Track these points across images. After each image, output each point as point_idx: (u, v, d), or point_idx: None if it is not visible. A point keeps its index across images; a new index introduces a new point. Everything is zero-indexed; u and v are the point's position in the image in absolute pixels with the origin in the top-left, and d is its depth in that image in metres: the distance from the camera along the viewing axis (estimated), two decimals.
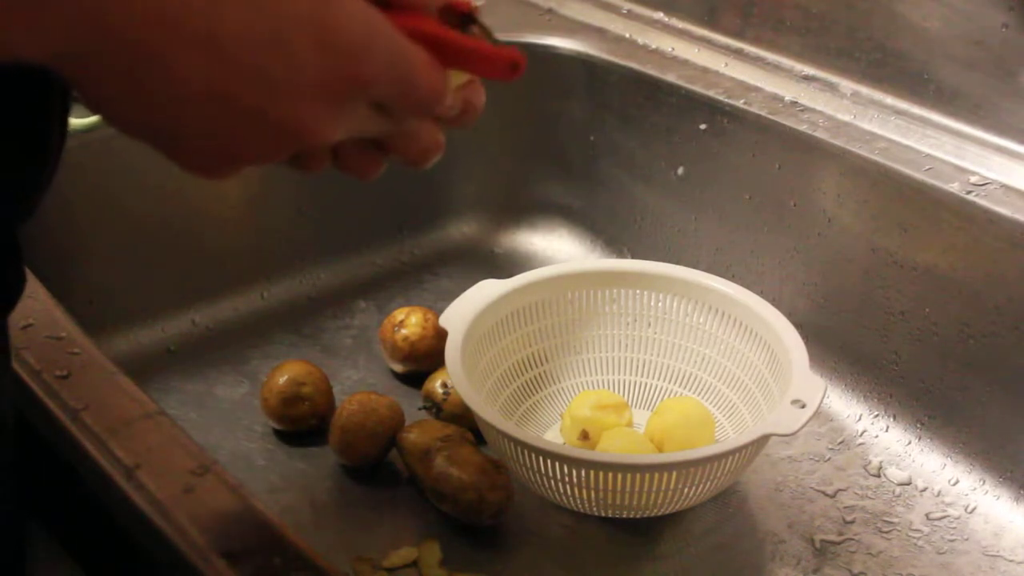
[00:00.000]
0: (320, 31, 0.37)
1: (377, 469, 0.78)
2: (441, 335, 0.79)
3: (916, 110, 0.83)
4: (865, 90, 0.86)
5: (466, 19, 0.44)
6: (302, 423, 0.80)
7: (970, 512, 0.76)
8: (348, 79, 0.38)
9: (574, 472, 0.69)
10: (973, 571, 0.72)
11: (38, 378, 0.57)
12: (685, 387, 0.84)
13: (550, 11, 1.05)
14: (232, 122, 0.38)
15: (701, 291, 0.82)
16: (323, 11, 0.37)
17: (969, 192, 0.76)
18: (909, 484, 0.78)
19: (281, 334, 0.92)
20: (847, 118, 0.85)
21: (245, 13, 0.36)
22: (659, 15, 0.99)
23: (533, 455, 0.69)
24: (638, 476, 0.68)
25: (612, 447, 0.74)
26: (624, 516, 0.72)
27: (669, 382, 0.85)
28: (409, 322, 0.85)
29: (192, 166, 0.40)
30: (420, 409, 0.82)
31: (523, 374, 0.83)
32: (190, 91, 0.36)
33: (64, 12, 0.33)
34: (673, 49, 0.96)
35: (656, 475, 0.68)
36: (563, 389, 0.85)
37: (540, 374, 0.84)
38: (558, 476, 0.69)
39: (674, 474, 0.68)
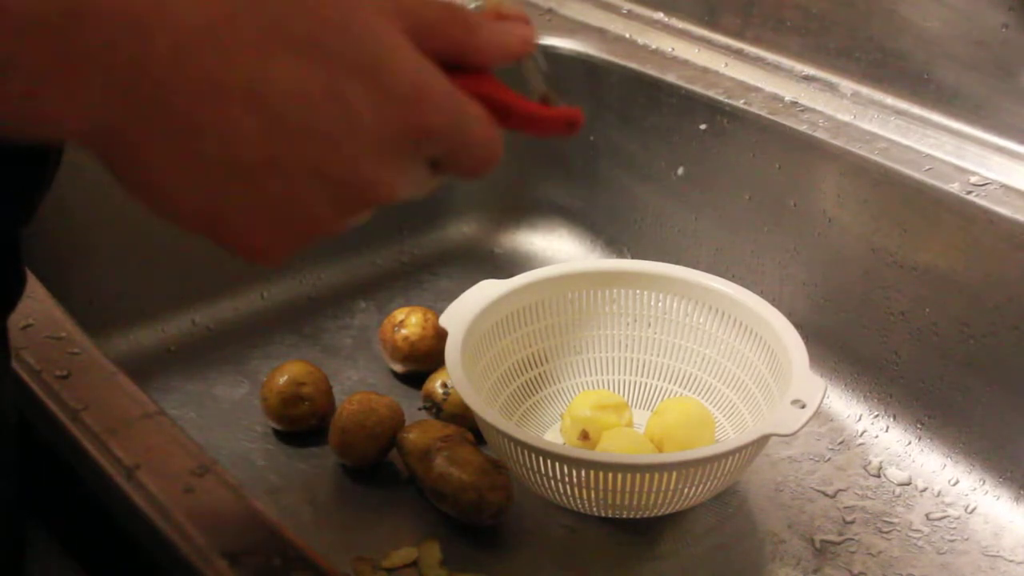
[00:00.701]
0: (375, 82, 0.35)
1: (377, 469, 0.78)
2: (441, 335, 0.79)
3: (916, 110, 0.83)
4: (865, 90, 0.86)
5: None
6: (302, 423, 0.80)
7: (970, 512, 0.76)
8: (407, 129, 0.36)
9: (574, 472, 0.69)
10: (973, 571, 0.72)
11: (38, 378, 0.57)
12: (685, 387, 0.84)
13: (550, 11, 1.05)
14: (290, 189, 0.35)
15: (701, 291, 0.82)
16: (377, 62, 0.35)
17: (969, 192, 0.76)
18: (909, 484, 0.78)
19: (281, 334, 0.92)
20: (847, 118, 0.85)
21: (294, 69, 0.34)
22: (659, 15, 0.99)
23: (533, 455, 0.69)
24: (638, 476, 0.68)
25: (612, 447, 0.74)
26: (624, 516, 0.72)
27: (669, 382, 0.85)
28: (409, 322, 0.85)
29: (250, 249, 0.37)
30: (420, 409, 0.82)
31: (523, 374, 0.83)
32: (241, 158, 0.34)
33: (95, 79, 0.31)
34: (673, 49, 0.96)
35: (656, 475, 0.68)
36: (563, 389, 0.85)
37: (540, 374, 0.84)
38: (558, 476, 0.69)
39: (674, 474, 0.68)
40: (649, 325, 0.85)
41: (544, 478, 0.70)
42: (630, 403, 0.82)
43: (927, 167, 0.79)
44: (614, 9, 1.02)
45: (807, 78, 0.89)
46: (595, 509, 0.72)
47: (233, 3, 0.33)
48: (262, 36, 0.33)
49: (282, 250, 0.37)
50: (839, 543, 0.73)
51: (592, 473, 0.68)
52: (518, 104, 0.42)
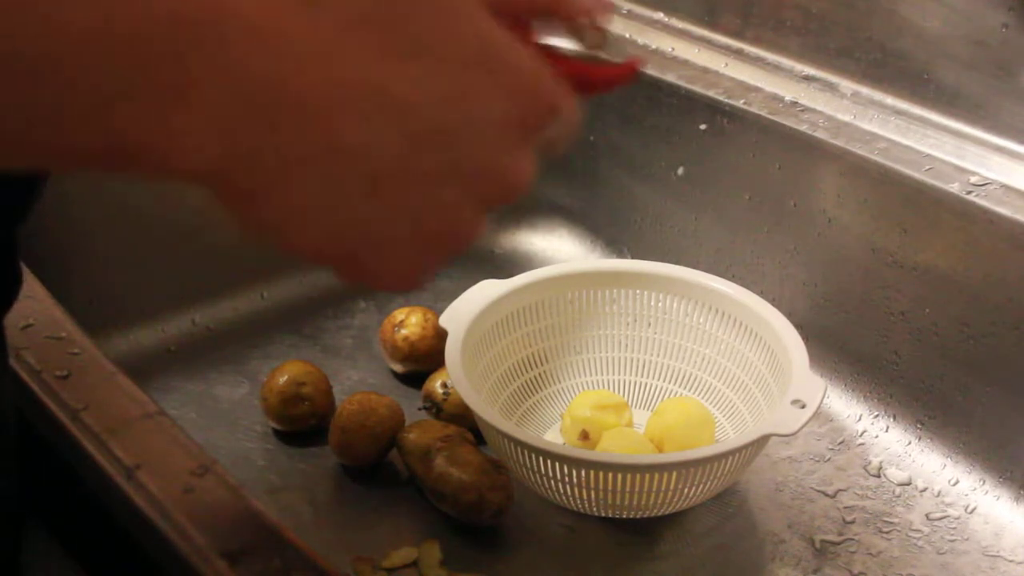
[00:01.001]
0: (493, 72, 0.35)
1: (377, 469, 0.78)
2: (441, 335, 0.79)
3: (916, 110, 0.83)
4: (865, 90, 0.86)
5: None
6: (302, 423, 0.80)
7: (970, 512, 0.76)
8: (534, 113, 0.36)
9: (574, 472, 0.69)
10: (973, 571, 0.72)
11: (38, 378, 0.57)
12: (685, 387, 0.84)
13: None
14: (433, 194, 0.34)
15: (701, 291, 0.82)
16: (486, 52, 0.35)
17: (969, 192, 0.76)
18: (909, 484, 0.78)
19: (281, 334, 0.92)
20: (847, 118, 0.85)
21: (415, 73, 0.33)
22: (659, 15, 0.99)
23: (533, 455, 0.69)
24: (638, 476, 0.68)
25: (612, 447, 0.74)
26: (624, 516, 0.72)
27: (669, 382, 0.85)
28: (409, 322, 0.85)
29: (391, 273, 0.36)
30: (420, 409, 0.82)
31: (523, 374, 0.83)
32: (384, 169, 0.33)
33: (228, 94, 0.30)
34: (673, 49, 0.96)
35: (656, 475, 0.68)
36: (563, 389, 0.85)
37: (540, 374, 0.84)
38: (558, 476, 0.69)
39: (674, 474, 0.68)
40: (649, 325, 0.85)
41: (544, 478, 0.70)
42: (630, 403, 0.82)
43: (927, 167, 0.79)
44: (614, 9, 1.02)
45: (807, 78, 0.89)
46: (595, 509, 0.72)
47: (345, 17, 0.32)
48: (375, 45, 0.32)
49: (423, 268, 0.36)
50: (839, 543, 0.73)
51: (592, 473, 0.68)
52: (595, 73, 0.42)
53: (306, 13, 0.31)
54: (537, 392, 0.84)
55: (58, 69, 0.27)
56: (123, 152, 0.29)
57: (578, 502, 0.71)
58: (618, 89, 0.44)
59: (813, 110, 0.86)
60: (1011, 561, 0.72)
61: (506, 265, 1.02)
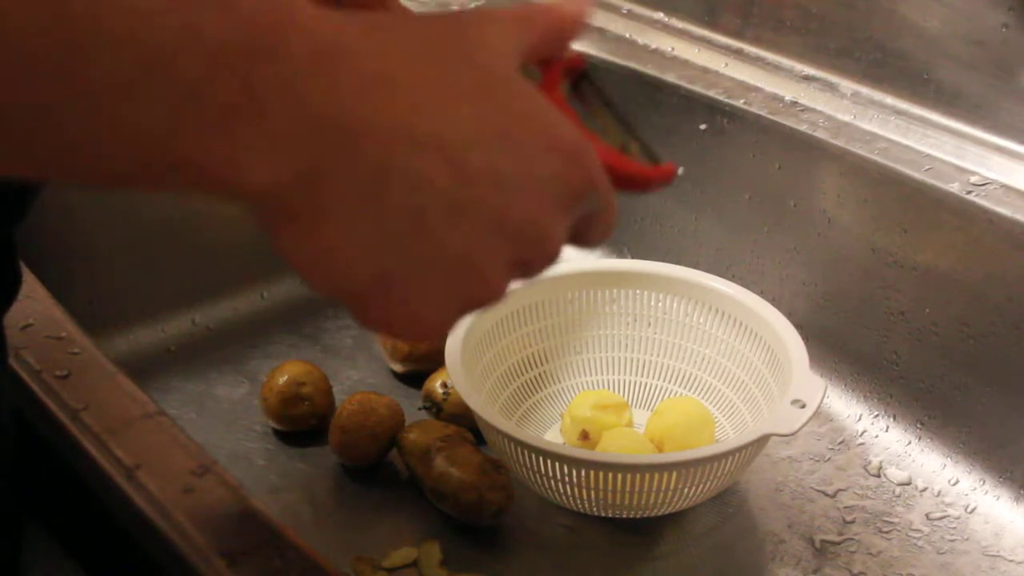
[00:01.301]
0: (544, 134, 0.35)
1: (377, 469, 0.78)
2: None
3: (916, 110, 0.83)
4: (865, 90, 0.86)
5: (579, 80, 0.44)
6: (302, 423, 0.80)
7: (970, 512, 0.76)
8: (575, 183, 0.36)
9: (574, 472, 0.69)
10: (973, 571, 0.72)
11: (38, 378, 0.57)
12: (685, 387, 0.84)
13: None
14: (469, 243, 0.34)
15: (701, 291, 0.82)
16: (539, 114, 0.35)
17: (969, 192, 0.76)
18: (909, 484, 0.78)
19: (281, 334, 0.92)
20: (847, 118, 0.85)
21: (474, 117, 0.33)
22: (659, 15, 0.99)
23: (533, 455, 0.69)
24: (638, 476, 0.68)
25: (612, 447, 0.74)
26: (624, 516, 0.72)
27: (669, 382, 0.85)
28: None
29: (414, 319, 0.35)
30: (420, 409, 0.82)
31: (523, 374, 0.83)
32: (427, 210, 0.33)
33: (287, 116, 0.30)
34: (673, 49, 0.96)
35: (656, 475, 0.68)
36: (563, 389, 0.85)
37: (540, 374, 0.84)
38: (558, 476, 0.69)
39: (674, 474, 0.68)
40: (649, 325, 0.85)
41: (544, 478, 0.70)
42: (630, 403, 0.82)
43: (927, 167, 0.79)
44: (614, 9, 1.02)
45: (807, 78, 0.89)
46: (595, 509, 0.72)
47: (406, 53, 0.32)
48: (440, 84, 0.32)
49: (444, 320, 0.36)
50: (839, 543, 0.73)
51: (592, 473, 0.68)
52: (631, 169, 0.42)
53: (370, 45, 0.31)
54: (537, 392, 0.84)
55: (133, 94, 0.28)
56: (182, 172, 0.30)
57: (578, 502, 0.71)
58: (651, 192, 0.43)
59: (813, 110, 0.86)
60: (1011, 561, 0.72)
61: None
